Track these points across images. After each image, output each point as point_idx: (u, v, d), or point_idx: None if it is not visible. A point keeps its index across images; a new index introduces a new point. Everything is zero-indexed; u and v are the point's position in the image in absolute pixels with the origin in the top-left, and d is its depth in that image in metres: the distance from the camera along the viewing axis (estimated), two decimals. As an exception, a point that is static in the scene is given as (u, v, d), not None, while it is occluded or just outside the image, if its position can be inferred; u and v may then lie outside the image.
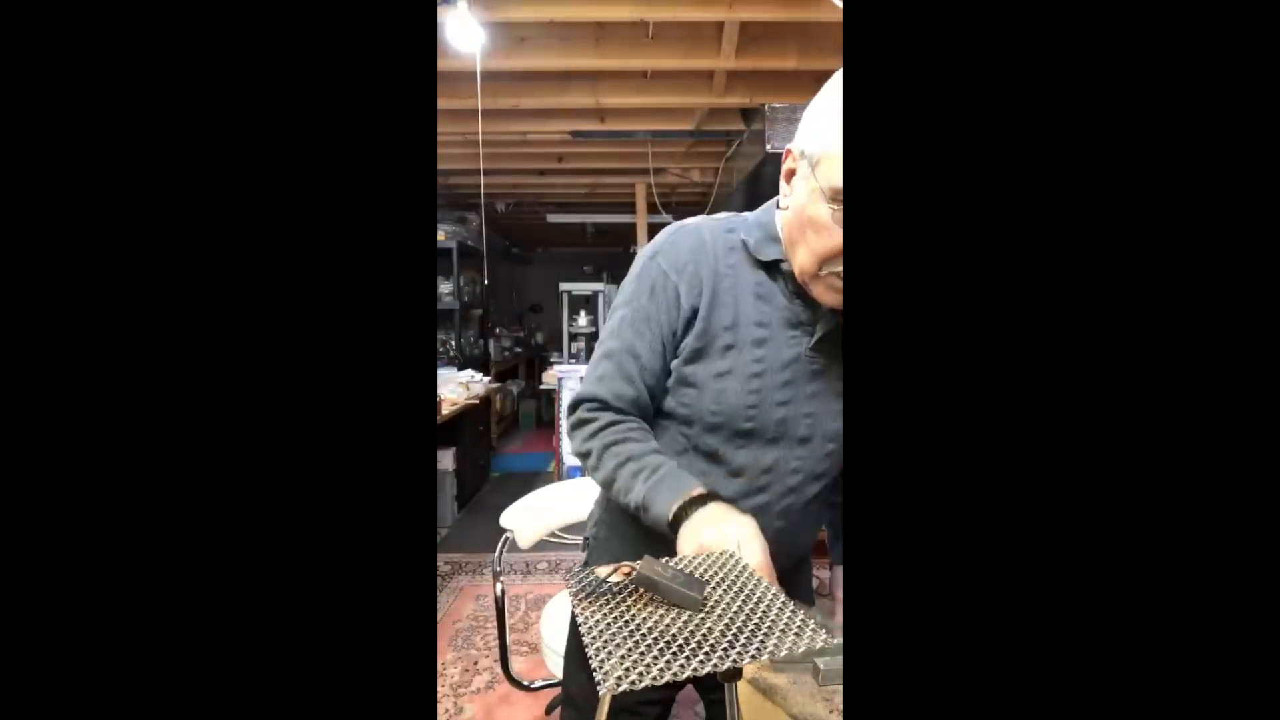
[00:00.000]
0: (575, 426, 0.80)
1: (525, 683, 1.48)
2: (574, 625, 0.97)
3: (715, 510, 0.68)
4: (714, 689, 0.91)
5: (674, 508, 0.68)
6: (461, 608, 2.64)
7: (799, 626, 0.56)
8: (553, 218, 5.50)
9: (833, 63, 2.66)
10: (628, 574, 0.62)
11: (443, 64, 2.38)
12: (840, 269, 0.70)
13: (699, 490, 0.69)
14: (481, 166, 3.12)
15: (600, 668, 0.50)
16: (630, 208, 4.64)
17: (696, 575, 0.65)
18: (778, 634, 0.55)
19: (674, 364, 0.78)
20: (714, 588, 0.63)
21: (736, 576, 0.66)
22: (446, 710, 1.97)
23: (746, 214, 0.83)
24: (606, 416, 0.77)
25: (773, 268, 0.77)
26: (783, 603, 0.61)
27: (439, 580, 2.85)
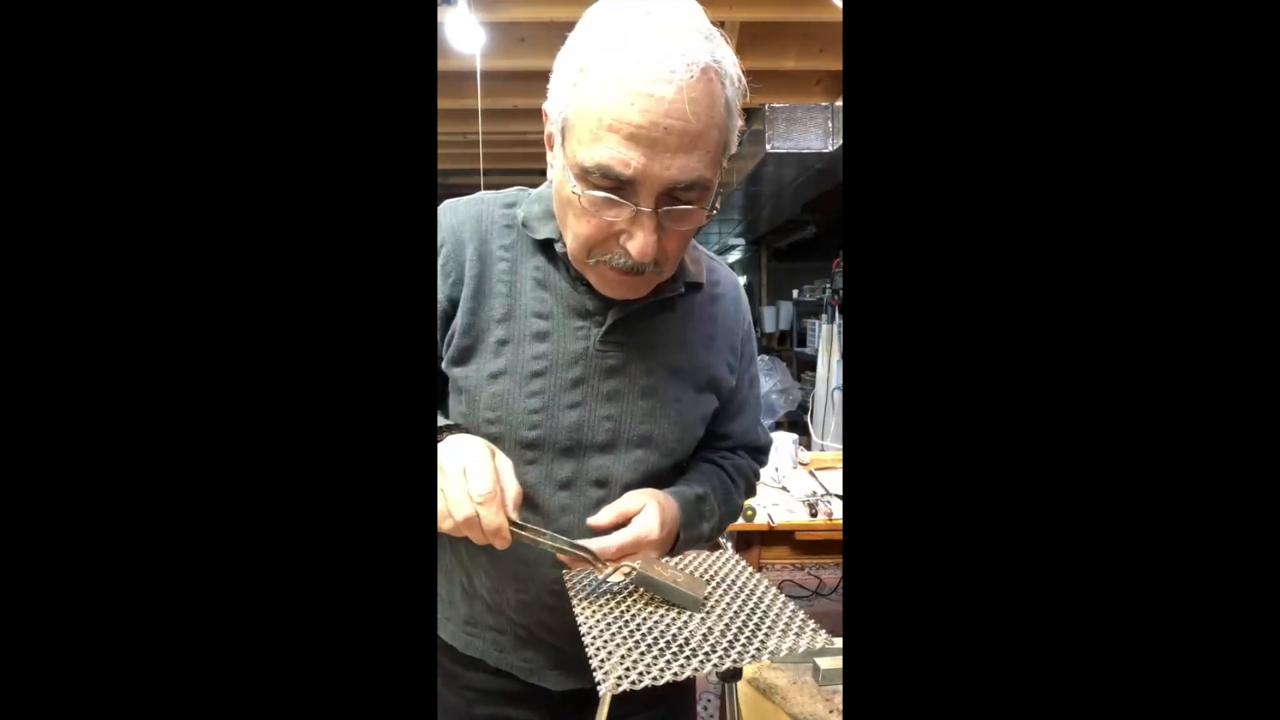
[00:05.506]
0: None
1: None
2: None
3: (455, 436, 0.62)
4: None
5: None
6: (461, 608, 2.62)
7: (799, 626, 0.56)
8: (553, 218, 5.47)
9: (833, 63, 2.66)
10: (628, 574, 0.62)
11: (443, 64, 2.38)
12: (608, 258, 0.60)
13: (444, 422, 0.65)
14: (481, 166, 3.12)
15: (600, 668, 0.50)
16: (630, 208, 4.62)
17: (697, 575, 0.65)
18: (778, 634, 0.55)
19: (443, 366, 0.68)
20: (714, 588, 0.63)
21: (736, 576, 0.66)
22: (446, 710, 1.96)
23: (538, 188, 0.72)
24: None
25: (550, 248, 0.67)
26: (783, 603, 0.61)
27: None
